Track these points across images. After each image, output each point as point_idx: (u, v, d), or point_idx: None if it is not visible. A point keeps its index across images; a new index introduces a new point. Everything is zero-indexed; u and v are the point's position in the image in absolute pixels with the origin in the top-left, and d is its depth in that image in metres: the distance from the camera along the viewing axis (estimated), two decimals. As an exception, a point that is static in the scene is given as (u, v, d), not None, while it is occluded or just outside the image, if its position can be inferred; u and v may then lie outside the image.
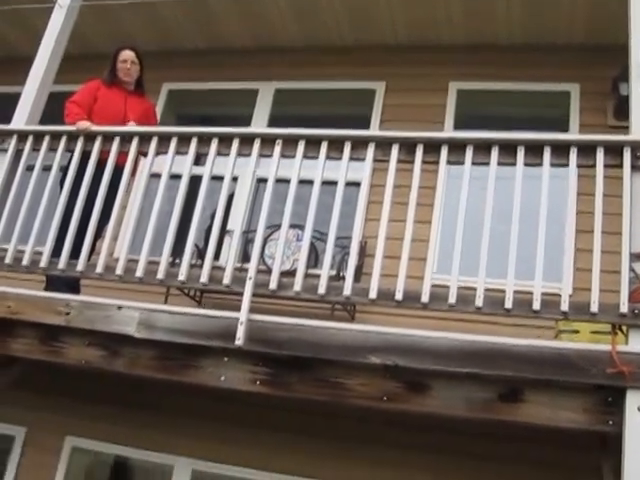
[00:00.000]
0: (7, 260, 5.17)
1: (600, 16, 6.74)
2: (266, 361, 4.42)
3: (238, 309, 4.44)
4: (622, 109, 5.81)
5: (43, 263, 5.05)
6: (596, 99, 7.03)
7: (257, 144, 4.84)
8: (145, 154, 5.23)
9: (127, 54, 6.46)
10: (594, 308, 3.99)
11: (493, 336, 4.14)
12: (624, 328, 4.07)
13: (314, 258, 6.05)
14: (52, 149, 5.44)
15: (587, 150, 4.34)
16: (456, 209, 4.41)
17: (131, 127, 5.59)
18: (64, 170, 5.40)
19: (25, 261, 5.10)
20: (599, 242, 4.09)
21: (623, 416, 3.80)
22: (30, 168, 5.40)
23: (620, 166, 4.25)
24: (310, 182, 4.68)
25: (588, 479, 4.68)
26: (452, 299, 4.15)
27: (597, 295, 3.99)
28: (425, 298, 4.20)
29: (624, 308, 3.95)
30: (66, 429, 6.54)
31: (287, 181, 4.73)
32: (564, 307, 4.04)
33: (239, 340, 4.32)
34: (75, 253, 5.03)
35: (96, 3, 6.68)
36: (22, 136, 5.54)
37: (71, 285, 5.63)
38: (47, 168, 5.36)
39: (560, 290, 4.11)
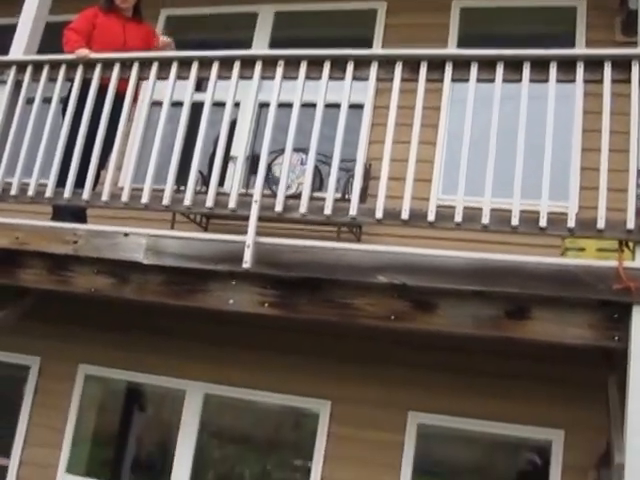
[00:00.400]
0: (12, 192, 5.15)
1: None
2: (274, 283, 4.45)
3: (244, 233, 4.45)
4: (630, 24, 5.73)
5: (49, 193, 5.04)
6: (603, 15, 6.89)
7: (259, 66, 4.77)
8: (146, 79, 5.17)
9: None
10: (601, 224, 3.98)
11: (500, 254, 4.15)
12: (630, 244, 4.06)
13: (319, 182, 6.02)
14: (52, 79, 5.36)
15: (594, 65, 4.27)
16: (461, 129, 4.36)
17: (131, 53, 5.49)
18: (65, 101, 5.35)
19: (30, 192, 5.09)
20: (606, 154, 4.06)
21: (629, 332, 3.83)
22: (31, 101, 5.34)
23: (628, 81, 4.19)
24: (313, 105, 4.63)
25: (594, 394, 4.71)
26: (458, 217, 4.14)
27: (604, 211, 3.97)
28: (431, 217, 4.19)
29: (631, 224, 3.94)
30: (79, 357, 6.62)
31: (290, 105, 4.68)
32: (571, 224, 4.02)
33: (246, 263, 4.33)
34: (80, 183, 5.01)
35: None
36: (21, 66, 5.46)
37: (77, 215, 5.64)
38: (48, 100, 5.30)
39: (567, 209, 4.09)
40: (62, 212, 5.52)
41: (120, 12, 6.29)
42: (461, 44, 7.21)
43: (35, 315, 5.87)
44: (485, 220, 4.10)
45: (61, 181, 5.05)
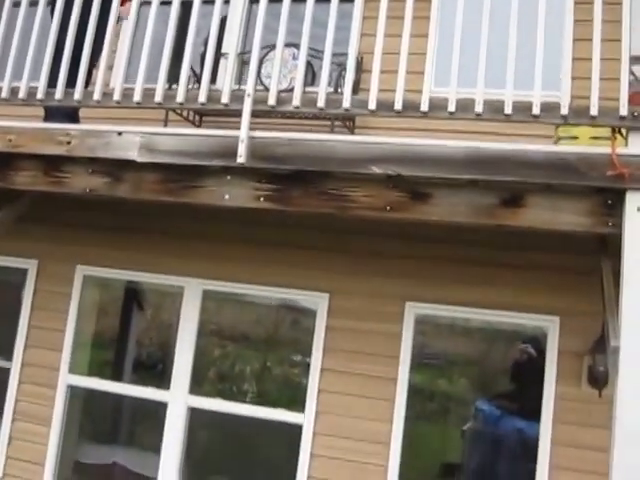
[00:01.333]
0: (3, 94, 5.09)
1: None
2: (269, 177, 4.47)
3: (238, 129, 4.44)
4: None
5: (40, 94, 4.98)
6: None
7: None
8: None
9: None
10: (594, 111, 3.96)
11: (493, 142, 4.16)
12: (624, 131, 4.07)
13: (311, 76, 5.97)
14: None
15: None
16: (453, 19, 4.31)
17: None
18: (52, 2, 5.24)
19: (22, 94, 5.03)
20: (598, 43, 4.03)
21: (623, 217, 3.87)
22: (17, 4, 5.24)
23: (620, -32, 4.13)
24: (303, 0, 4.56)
25: (589, 281, 4.79)
26: (452, 107, 4.12)
27: (596, 98, 3.96)
28: (425, 107, 4.17)
29: (624, 111, 3.93)
30: (76, 258, 6.68)
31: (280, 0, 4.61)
32: (564, 111, 4.01)
33: (241, 157, 4.33)
34: (72, 83, 4.96)
35: None
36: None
37: (70, 115, 5.61)
38: (34, 3, 5.20)
39: (560, 99, 4.08)
40: (54, 113, 5.48)
41: None
42: None
43: (31, 218, 5.92)
44: (478, 109, 4.08)
45: (52, 82, 4.98)
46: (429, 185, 4.21)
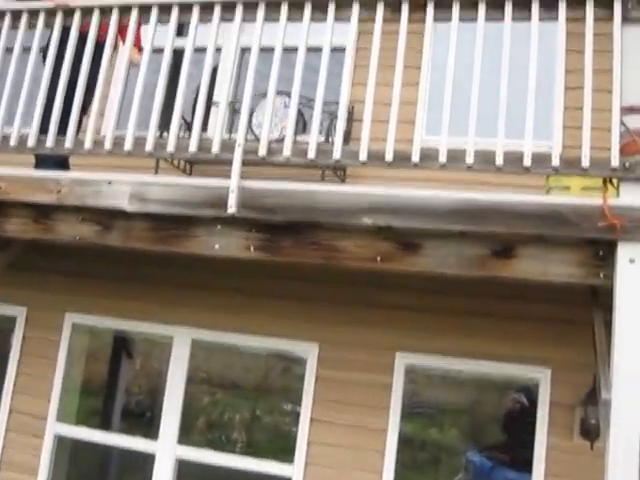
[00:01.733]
0: (-5, 142, 5.09)
1: None
2: (259, 227, 4.45)
3: (228, 177, 4.43)
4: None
5: (31, 142, 4.98)
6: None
7: (240, 9, 4.70)
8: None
9: None
10: (585, 162, 3.97)
11: (484, 192, 4.15)
12: (615, 182, 4.07)
13: (302, 125, 5.99)
14: (31, 26, 5.28)
15: (576, 3, 4.23)
16: (444, 69, 4.33)
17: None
18: (45, 50, 5.26)
19: (13, 141, 5.02)
20: (589, 93, 4.05)
21: (614, 268, 3.85)
22: (10, 50, 5.25)
23: (610, 19, 4.16)
24: (295, 49, 4.58)
25: (580, 333, 4.75)
26: (443, 158, 4.12)
27: (588, 149, 3.97)
28: (416, 158, 4.17)
29: (615, 162, 3.94)
30: (65, 306, 6.65)
31: (272, 49, 4.63)
32: (555, 162, 4.02)
33: (231, 208, 4.32)
34: (63, 131, 4.96)
35: None
36: (-1, 15, 5.37)
37: (60, 163, 5.60)
38: (28, 49, 5.21)
39: (550, 148, 4.09)
40: (45, 160, 5.48)
41: None
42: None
43: (20, 265, 5.90)
44: (469, 160, 4.08)
45: (43, 129, 4.99)
46: (420, 236, 4.19)
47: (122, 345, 7.01)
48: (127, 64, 5.00)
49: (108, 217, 4.81)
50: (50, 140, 4.93)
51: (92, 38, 5.03)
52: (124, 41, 5.32)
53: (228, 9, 4.76)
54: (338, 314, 5.84)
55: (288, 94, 4.89)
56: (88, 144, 4.85)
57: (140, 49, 5.49)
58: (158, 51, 4.89)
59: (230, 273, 5.59)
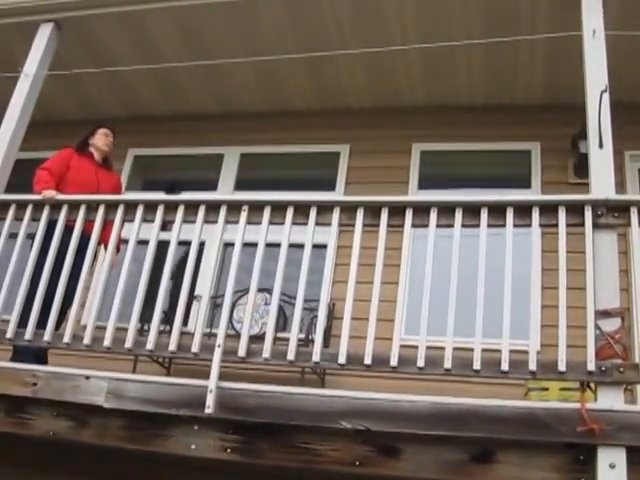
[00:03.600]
0: (-32, 338, 5.09)
1: (558, 77, 6.92)
2: (236, 428, 4.38)
3: (207, 374, 4.41)
4: (582, 166, 5.95)
5: (9, 334, 4.99)
6: (556, 157, 7.19)
7: (223, 211, 4.85)
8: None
9: (107, 130, 6.64)
10: (562, 367, 4.02)
11: (462, 397, 4.14)
12: (593, 385, 4.09)
13: (282, 321, 6.05)
14: (17, 218, 5.41)
15: (549, 210, 4.42)
16: (423, 269, 4.45)
17: (97, 196, 5.55)
18: (32, 238, 5.36)
19: (-8, 332, 5.04)
20: (564, 301, 4.15)
21: (595, 474, 3.80)
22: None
23: (582, 225, 4.33)
24: (277, 245, 4.71)
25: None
26: (421, 362, 4.16)
27: (564, 353, 4.03)
28: (394, 362, 4.21)
29: (591, 366, 3.98)
30: None
31: (254, 245, 4.75)
32: (532, 366, 4.06)
33: (209, 408, 4.28)
34: (43, 323, 4.98)
35: (62, 73, 6.70)
36: (-13, 206, 5.51)
37: (38, 356, 5.57)
38: (14, 236, 5.33)
39: (528, 347, 4.14)
40: (23, 352, 5.45)
41: (92, 156, 6.43)
42: (422, 184, 7.44)
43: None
44: (447, 365, 4.12)
45: (24, 319, 5.02)
46: (398, 440, 4.13)
47: None
48: (109, 265, 5.07)
49: (83, 412, 4.72)
50: (29, 332, 4.94)
51: (77, 233, 5.14)
52: (106, 240, 5.43)
53: (212, 209, 4.92)
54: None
55: (269, 290, 4.96)
56: (67, 338, 4.86)
57: (118, 249, 5.60)
58: (141, 243, 5.00)
59: (207, 471, 5.42)
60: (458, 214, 4.49)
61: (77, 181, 6.05)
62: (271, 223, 4.75)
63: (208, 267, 5.86)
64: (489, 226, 4.44)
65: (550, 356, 4.15)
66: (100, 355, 5.18)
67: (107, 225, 5.37)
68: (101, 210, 5.19)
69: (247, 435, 4.36)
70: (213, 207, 4.91)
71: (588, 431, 3.83)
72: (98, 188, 6.13)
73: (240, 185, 7.99)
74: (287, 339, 4.49)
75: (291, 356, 4.38)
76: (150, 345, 4.65)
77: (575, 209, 4.39)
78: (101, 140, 6.55)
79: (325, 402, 4.26)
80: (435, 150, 7.65)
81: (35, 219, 5.37)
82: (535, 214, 4.40)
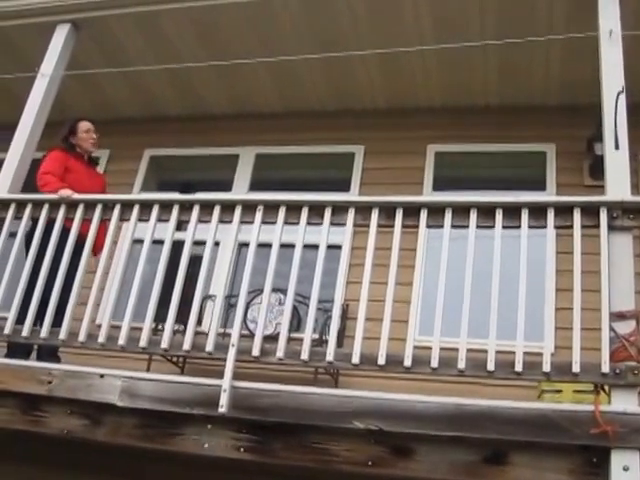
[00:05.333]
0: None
1: (574, 78, 6.90)
2: (250, 428, 4.39)
3: (221, 373, 4.42)
4: (598, 168, 5.91)
5: (25, 332, 5.03)
6: (572, 159, 7.16)
7: (238, 211, 4.86)
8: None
9: (89, 125, 6.50)
10: (576, 368, 4.00)
11: (476, 399, 4.14)
12: (606, 387, 4.08)
13: (296, 322, 6.06)
14: (33, 218, 5.45)
15: (564, 211, 4.40)
16: (437, 270, 4.44)
17: (114, 195, 5.55)
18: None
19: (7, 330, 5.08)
20: (579, 304, 4.13)
21: (609, 476, 3.78)
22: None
23: (597, 226, 4.31)
24: (291, 246, 4.72)
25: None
26: (434, 363, 4.16)
27: (579, 355, 4.01)
28: (408, 362, 4.20)
29: (605, 368, 3.96)
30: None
31: (269, 245, 4.76)
32: (546, 368, 4.04)
33: (222, 407, 4.29)
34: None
35: (78, 73, 6.74)
36: (4, 204, 5.55)
37: (30, 351, 5.60)
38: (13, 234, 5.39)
39: (542, 349, 4.13)
40: (17, 349, 5.45)
41: (81, 156, 6.45)
42: (436, 185, 7.44)
43: (4, 456, 5.75)
44: (461, 365, 4.12)
45: (38, 317, 5.06)
46: (411, 440, 4.13)
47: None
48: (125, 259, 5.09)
49: (97, 411, 4.74)
50: (45, 331, 4.97)
51: (92, 233, 5.18)
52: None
53: (227, 209, 4.93)
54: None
55: (283, 290, 4.97)
56: (82, 337, 4.88)
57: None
58: (156, 242, 5.02)
59: (218, 470, 5.43)
60: (473, 215, 4.48)
61: (75, 184, 5.90)
62: (286, 223, 4.76)
63: (223, 267, 5.87)
64: (504, 227, 4.43)
65: (564, 358, 4.13)
66: (114, 355, 5.22)
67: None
68: (117, 210, 5.21)
69: (260, 434, 4.37)
70: (228, 207, 4.92)
71: (602, 433, 3.81)
72: (92, 188, 6.10)
73: (255, 186, 8.02)
74: (301, 339, 4.50)
75: (305, 356, 4.38)
76: (165, 344, 4.66)
77: (590, 211, 4.36)
78: (87, 140, 6.45)
79: (338, 402, 4.25)
80: (450, 151, 7.64)
81: (52, 218, 5.37)
82: (550, 215, 4.38)
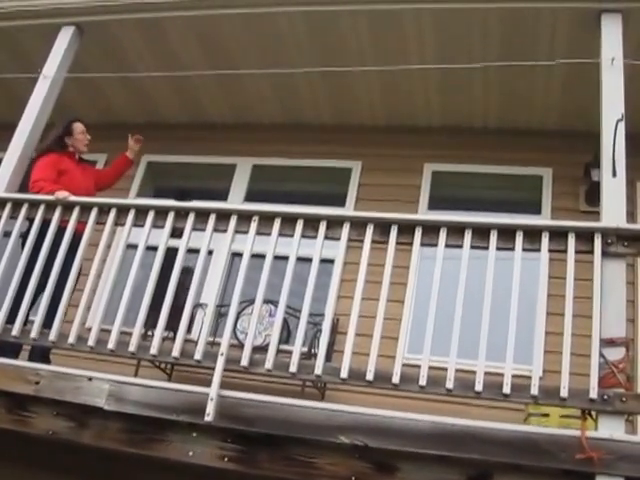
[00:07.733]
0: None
1: (573, 103, 6.92)
2: (235, 437, 4.38)
3: (209, 382, 4.42)
4: (594, 194, 5.95)
5: (15, 332, 5.01)
6: (568, 183, 7.19)
7: (233, 220, 4.87)
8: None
9: (82, 126, 6.52)
10: (564, 393, 4.01)
11: (463, 418, 4.13)
12: (593, 413, 4.08)
13: (286, 334, 6.05)
14: (29, 218, 5.44)
15: (558, 235, 4.41)
16: (429, 288, 4.45)
17: (110, 199, 5.55)
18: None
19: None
20: (569, 328, 4.14)
21: (593, 503, 3.78)
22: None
23: (591, 252, 4.33)
24: (284, 258, 4.72)
25: None
26: (423, 381, 4.16)
27: (567, 380, 4.01)
28: (396, 379, 4.21)
29: (594, 394, 3.98)
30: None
31: (262, 256, 4.76)
32: (534, 391, 4.05)
33: (209, 416, 4.28)
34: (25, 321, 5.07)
35: (80, 75, 6.76)
36: (1, 203, 5.55)
37: (17, 351, 5.58)
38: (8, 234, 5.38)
39: (531, 372, 4.14)
40: (6, 348, 5.42)
41: (73, 156, 6.44)
42: (432, 204, 7.46)
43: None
44: (449, 385, 4.12)
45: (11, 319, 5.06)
46: (395, 457, 4.12)
47: None
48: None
49: (84, 413, 4.72)
50: (35, 331, 4.96)
51: (87, 235, 5.18)
52: None
53: (223, 218, 4.93)
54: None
55: (274, 302, 4.97)
56: (72, 339, 4.87)
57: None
58: (150, 249, 5.02)
59: (204, 478, 5.44)
60: (467, 235, 4.49)
61: (70, 184, 5.91)
62: (280, 235, 4.77)
63: (215, 276, 5.86)
64: (498, 249, 4.44)
65: (552, 382, 4.15)
66: (103, 358, 5.21)
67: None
68: (112, 214, 5.21)
69: (246, 445, 4.36)
70: (223, 216, 4.92)
71: (587, 459, 3.81)
72: (86, 188, 6.13)
73: (250, 196, 8.02)
74: (290, 351, 4.48)
75: (293, 368, 4.38)
76: (154, 350, 4.66)
77: (585, 236, 4.38)
78: (82, 141, 6.47)
79: (325, 416, 4.25)
80: (447, 171, 7.67)
81: (46, 219, 5.37)
82: (544, 239, 4.40)
